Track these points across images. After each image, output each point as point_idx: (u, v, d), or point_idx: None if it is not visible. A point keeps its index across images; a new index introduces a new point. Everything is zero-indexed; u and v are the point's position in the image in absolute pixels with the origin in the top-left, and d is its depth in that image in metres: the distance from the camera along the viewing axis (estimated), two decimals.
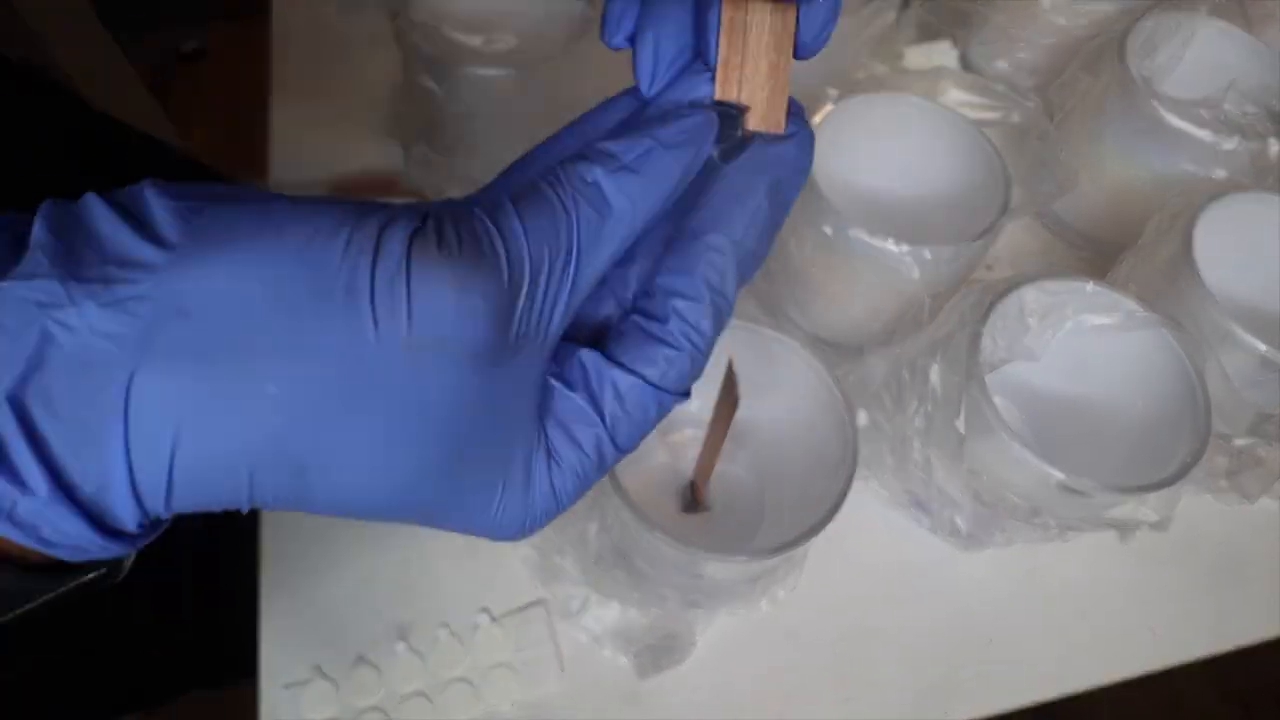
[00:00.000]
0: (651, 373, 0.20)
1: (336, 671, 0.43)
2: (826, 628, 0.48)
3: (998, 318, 0.44)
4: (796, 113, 0.22)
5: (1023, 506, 0.42)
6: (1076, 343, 0.46)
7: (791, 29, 0.20)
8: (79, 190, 0.17)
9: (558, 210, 0.18)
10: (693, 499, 0.46)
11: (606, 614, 0.45)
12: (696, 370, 0.21)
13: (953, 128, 0.51)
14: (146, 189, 0.17)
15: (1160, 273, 0.49)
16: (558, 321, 0.19)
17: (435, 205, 0.18)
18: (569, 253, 0.18)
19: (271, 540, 0.47)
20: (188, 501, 0.17)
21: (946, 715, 0.46)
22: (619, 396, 0.20)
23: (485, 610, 0.45)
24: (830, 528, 0.37)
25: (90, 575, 0.19)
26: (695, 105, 0.21)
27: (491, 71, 0.49)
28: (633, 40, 0.23)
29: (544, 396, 0.20)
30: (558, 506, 0.20)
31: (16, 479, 0.15)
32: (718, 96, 0.21)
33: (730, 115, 0.21)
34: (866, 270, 0.46)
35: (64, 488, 0.16)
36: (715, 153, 0.21)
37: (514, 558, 0.47)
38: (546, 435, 0.20)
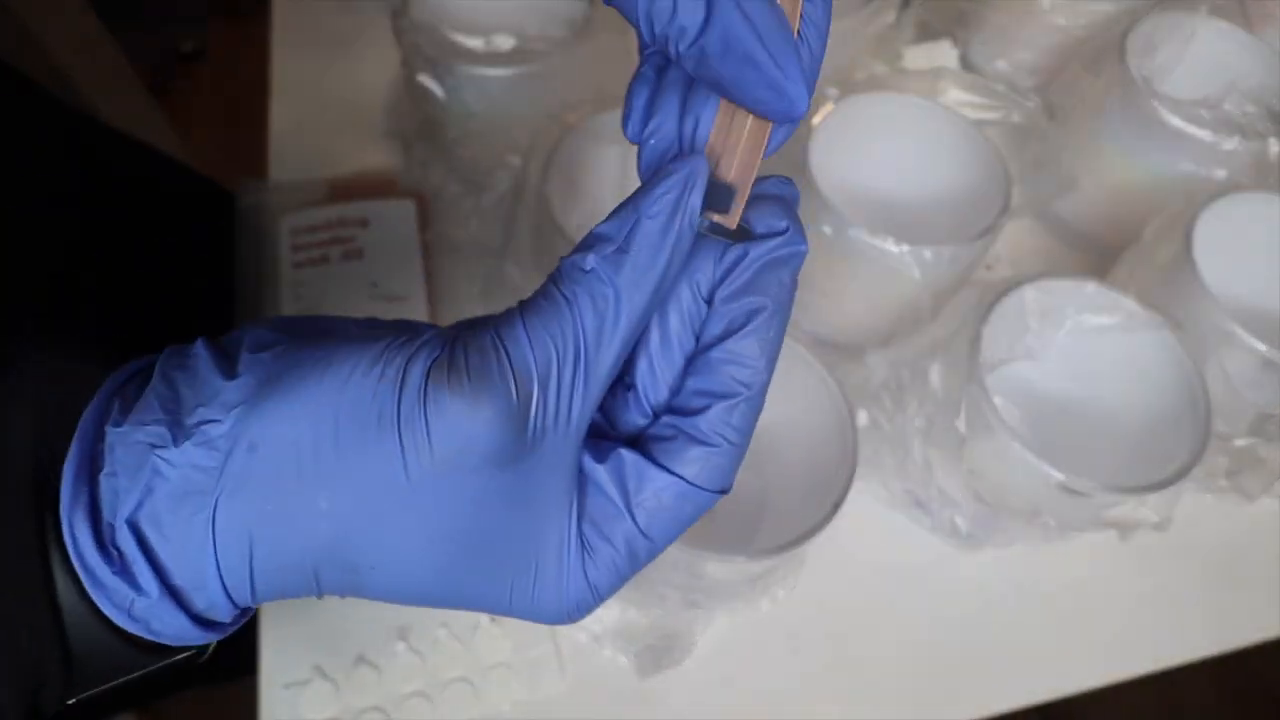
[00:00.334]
0: (689, 472, 0.21)
1: (336, 671, 0.43)
2: (826, 628, 0.48)
3: (998, 318, 0.44)
4: (789, 209, 0.23)
5: (1023, 507, 0.42)
6: (1076, 343, 0.46)
7: (764, 141, 0.22)
8: (52, 190, 0.19)
9: (560, 306, 0.20)
10: None
11: (606, 614, 0.45)
12: (734, 466, 0.22)
13: (953, 128, 0.51)
14: (247, 334, 0.21)
15: (1160, 273, 0.49)
16: (579, 410, 0.20)
17: (460, 328, 0.20)
18: (577, 345, 0.19)
19: None
20: (269, 594, 0.20)
21: (946, 715, 0.46)
22: (656, 495, 0.21)
23: None
24: (830, 528, 0.37)
25: (185, 654, 0.22)
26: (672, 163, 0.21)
27: (491, 71, 0.49)
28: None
29: (580, 489, 0.21)
30: (594, 598, 0.21)
31: (134, 584, 0.19)
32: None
33: (714, 185, 0.21)
34: (866, 270, 0.46)
35: (170, 590, 0.19)
36: (705, 226, 0.21)
37: None
38: (581, 528, 0.21)
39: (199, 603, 0.20)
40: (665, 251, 0.20)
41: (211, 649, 0.24)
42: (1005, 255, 0.62)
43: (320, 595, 0.21)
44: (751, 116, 0.21)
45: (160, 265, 0.62)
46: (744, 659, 0.46)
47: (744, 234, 0.22)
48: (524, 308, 0.20)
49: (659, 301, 0.21)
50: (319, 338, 0.21)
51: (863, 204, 0.52)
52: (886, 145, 0.53)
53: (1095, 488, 0.39)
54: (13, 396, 0.23)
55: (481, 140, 0.50)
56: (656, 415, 0.22)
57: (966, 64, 0.70)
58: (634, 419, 0.22)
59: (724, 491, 0.22)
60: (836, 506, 0.37)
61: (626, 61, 0.60)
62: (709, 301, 0.22)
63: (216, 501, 0.19)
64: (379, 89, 0.64)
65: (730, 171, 0.21)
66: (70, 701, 0.21)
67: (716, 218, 0.21)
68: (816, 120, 0.48)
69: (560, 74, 0.51)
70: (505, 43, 0.50)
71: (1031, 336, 0.45)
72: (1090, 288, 0.45)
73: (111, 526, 0.19)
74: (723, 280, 0.22)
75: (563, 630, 0.45)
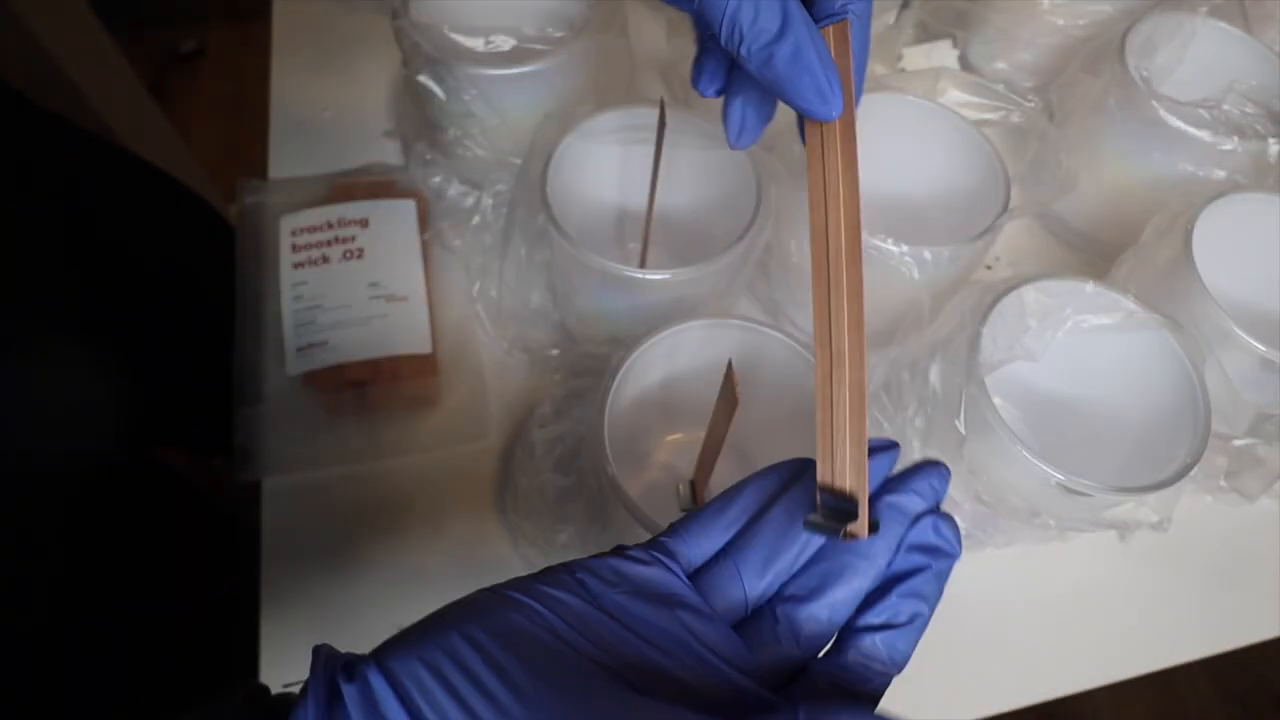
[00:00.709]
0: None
1: None
2: None
3: (998, 318, 0.44)
4: (946, 525, 0.25)
5: (1022, 507, 0.42)
6: (1076, 343, 0.46)
7: (865, 439, 0.24)
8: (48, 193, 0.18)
9: None
10: (692, 499, 0.46)
11: None
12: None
13: (953, 128, 0.51)
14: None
15: (1160, 273, 0.49)
16: None
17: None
18: None
19: (272, 541, 0.47)
20: None
21: (946, 715, 0.46)
22: None
23: None
24: None
25: None
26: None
27: (491, 71, 0.49)
28: (722, 94, 0.28)
29: None
30: None
31: None
32: (819, 479, 0.24)
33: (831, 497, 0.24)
34: (866, 270, 0.46)
35: None
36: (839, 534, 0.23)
37: (515, 559, 0.47)
38: None
39: None
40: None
41: None
42: (1005, 255, 0.62)
43: None
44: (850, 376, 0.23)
45: (160, 266, 0.62)
46: None
47: (874, 527, 0.24)
48: None
49: None
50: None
51: (862, 204, 0.52)
52: (886, 145, 0.53)
53: (1095, 488, 0.39)
54: (12, 396, 0.23)
55: (481, 140, 0.50)
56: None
57: (966, 64, 0.70)
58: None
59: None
60: None
61: (626, 61, 0.60)
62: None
63: None
64: (379, 89, 0.64)
65: (845, 479, 0.23)
66: None
67: (850, 528, 0.23)
68: None
69: (560, 74, 0.51)
70: (505, 43, 0.50)
71: (1031, 336, 0.45)
72: (1090, 288, 0.45)
73: None
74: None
75: None
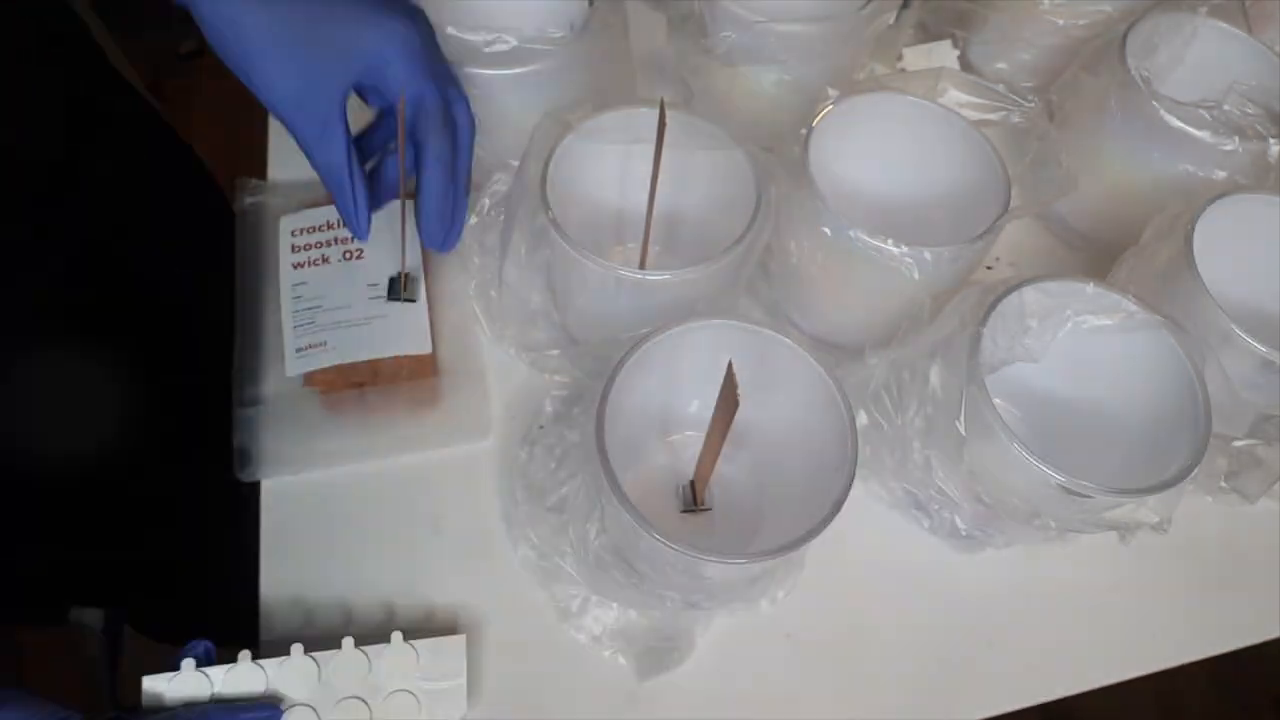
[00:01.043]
0: None
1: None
2: (826, 628, 0.48)
3: (998, 318, 0.44)
4: None
5: (1022, 508, 0.42)
6: (1076, 343, 0.46)
7: None
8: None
9: None
10: (692, 499, 0.46)
11: (606, 615, 0.45)
12: None
13: (953, 128, 0.51)
14: None
15: (1160, 273, 0.49)
16: None
17: None
18: None
19: (272, 541, 0.47)
20: None
21: (946, 715, 0.46)
22: None
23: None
24: (830, 528, 0.37)
25: None
26: None
27: (491, 71, 0.49)
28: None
29: None
30: None
31: None
32: None
33: None
34: (866, 271, 0.46)
35: None
36: None
37: (515, 559, 0.47)
38: None
39: None
40: None
41: None
42: (1005, 255, 0.62)
43: None
44: None
45: (160, 266, 0.62)
46: (744, 659, 0.46)
47: None
48: None
49: None
50: None
51: (862, 204, 0.52)
52: (886, 145, 0.53)
53: (1095, 489, 0.39)
54: (13, 395, 0.23)
55: (481, 140, 0.50)
56: None
57: (966, 64, 0.70)
58: None
59: None
60: (836, 507, 0.37)
61: (626, 61, 0.60)
62: None
63: None
64: None
65: None
66: None
67: None
68: (815, 120, 0.48)
69: (560, 74, 0.51)
70: (505, 43, 0.50)
71: (1031, 337, 0.45)
72: (1090, 288, 0.45)
73: None
74: None
75: (563, 630, 0.45)
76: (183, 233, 0.64)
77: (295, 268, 0.52)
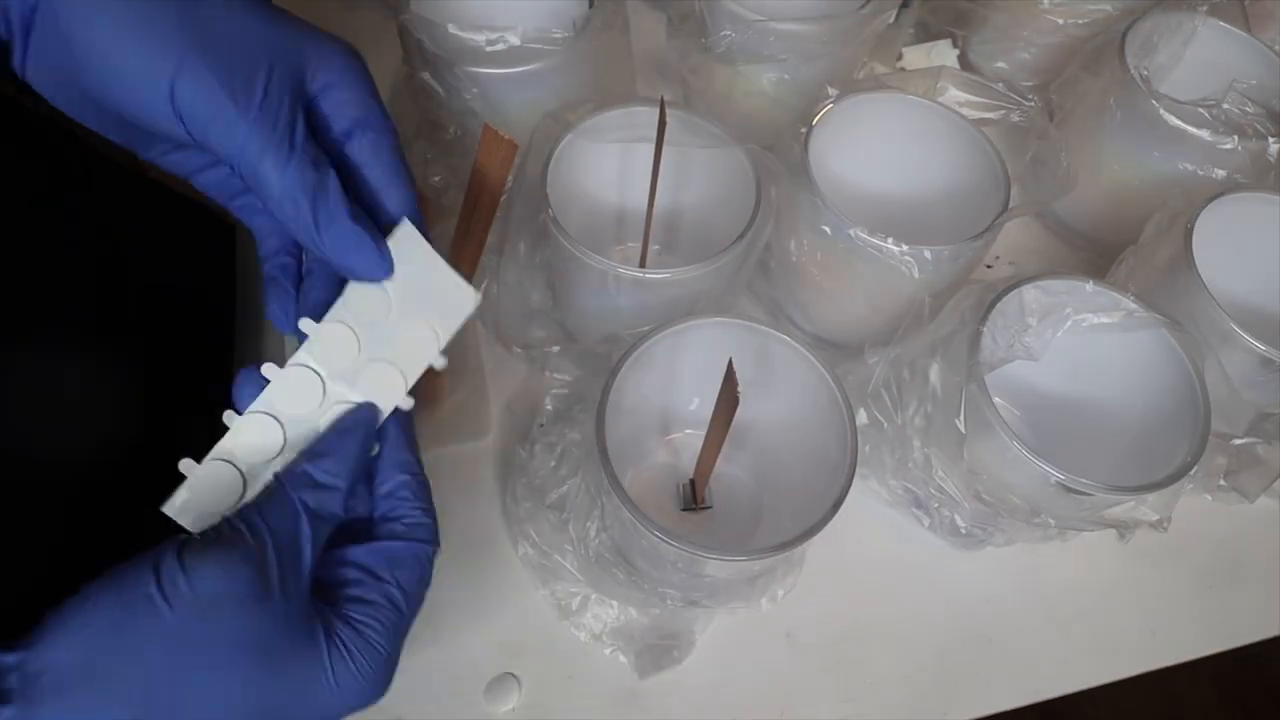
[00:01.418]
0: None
1: None
2: (826, 627, 0.48)
3: (998, 317, 0.44)
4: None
5: (1022, 506, 0.42)
6: (1076, 342, 0.46)
7: None
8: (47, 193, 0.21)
9: (286, 499, 0.28)
10: (692, 498, 0.46)
11: (606, 613, 0.45)
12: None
13: (953, 128, 0.51)
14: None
15: (1160, 273, 0.49)
16: (307, 563, 0.28)
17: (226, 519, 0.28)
18: (296, 520, 0.28)
19: None
20: None
21: (946, 715, 0.46)
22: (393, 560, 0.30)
23: None
24: (830, 527, 0.37)
25: None
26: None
27: (493, 70, 0.49)
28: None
29: (322, 610, 0.28)
30: (380, 656, 0.28)
31: None
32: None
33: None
34: (866, 270, 0.46)
35: None
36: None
37: (515, 559, 0.47)
38: (336, 622, 0.28)
39: None
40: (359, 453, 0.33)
41: None
42: (1005, 254, 0.62)
43: None
44: None
45: (161, 273, 0.62)
46: (744, 658, 0.46)
47: None
48: (261, 503, 0.28)
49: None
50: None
51: (862, 204, 0.52)
52: (886, 145, 0.53)
53: (1094, 487, 0.39)
54: (13, 395, 0.24)
55: None
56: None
57: (966, 64, 0.70)
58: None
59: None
60: (836, 506, 0.37)
61: (626, 61, 0.60)
62: None
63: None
64: (380, 86, 0.63)
65: None
66: None
67: None
68: (815, 119, 0.49)
69: (561, 73, 0.51)
70: (505, 43, 0.50)
71: (1031, 335, 0.45)
72: (1090, 287, 0.45)
73: None
74: None
75: (564, 628, 0.46)
76: (184, 240, 0.64)
77: None
